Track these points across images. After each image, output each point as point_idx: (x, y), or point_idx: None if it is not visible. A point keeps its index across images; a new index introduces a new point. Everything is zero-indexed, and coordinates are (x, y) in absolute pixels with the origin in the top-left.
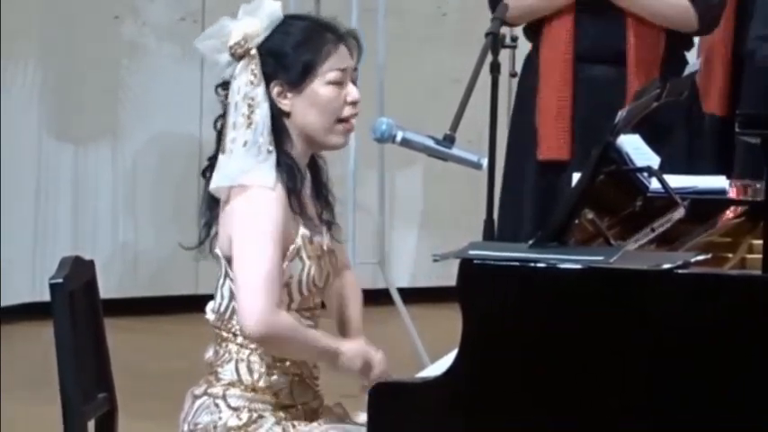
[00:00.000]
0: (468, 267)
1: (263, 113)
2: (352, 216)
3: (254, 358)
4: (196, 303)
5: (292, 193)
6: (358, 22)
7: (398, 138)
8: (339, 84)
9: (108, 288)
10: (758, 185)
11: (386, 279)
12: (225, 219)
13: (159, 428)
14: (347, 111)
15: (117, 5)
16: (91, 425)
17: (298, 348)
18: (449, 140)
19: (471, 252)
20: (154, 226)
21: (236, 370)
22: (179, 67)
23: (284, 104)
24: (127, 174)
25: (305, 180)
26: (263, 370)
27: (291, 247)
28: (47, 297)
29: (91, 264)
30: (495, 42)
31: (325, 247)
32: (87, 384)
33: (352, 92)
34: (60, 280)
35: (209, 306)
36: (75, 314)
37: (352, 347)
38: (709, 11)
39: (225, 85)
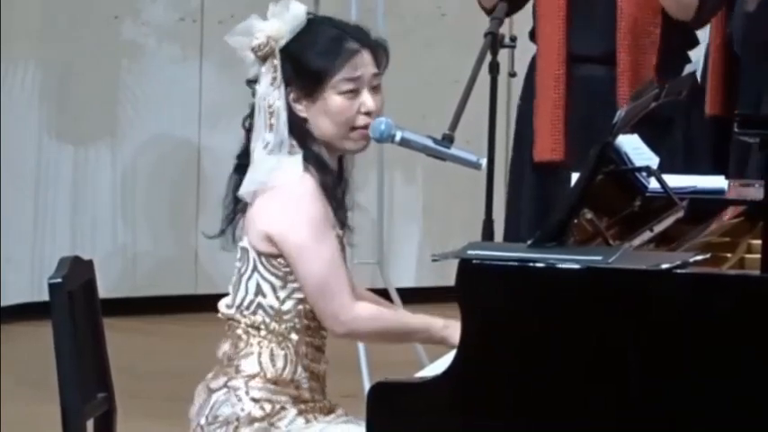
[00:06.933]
0: (467, 267)
1: (282, 116)
2: (351, 216)
3: (278, 351)
4: (195, 303)
5: (323, 185)
6: (357, 22)
7: (397, 138)
8: (352, 92)
9: (107, 288)
10: (756, 185)
11: (385, 279)
12: (260, 213)
13: (158, 428)
14: (361, 120)
15: (117, 5)
16: (90, 425)
17: (384, 336)
18: (448, 140)
19: (470, 252)
20: (153, 226)
21: (259, 362)
22: (178, 67)
23: (299, 110)
24: (126, 174)
25: (334, 177)
26: (286, 363)
27: None
28: (46, 297)
29: (90, 264)
30: (494, 42)
31: (345, 242)
32: (86, 384)
33: (366, 102)
34: (59, 280)
35: (226, 301)
36: (74, 314)
37: (440, 321)
38: (706, 2)
39: (254, 81)
